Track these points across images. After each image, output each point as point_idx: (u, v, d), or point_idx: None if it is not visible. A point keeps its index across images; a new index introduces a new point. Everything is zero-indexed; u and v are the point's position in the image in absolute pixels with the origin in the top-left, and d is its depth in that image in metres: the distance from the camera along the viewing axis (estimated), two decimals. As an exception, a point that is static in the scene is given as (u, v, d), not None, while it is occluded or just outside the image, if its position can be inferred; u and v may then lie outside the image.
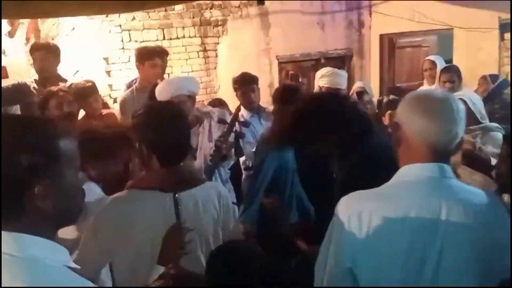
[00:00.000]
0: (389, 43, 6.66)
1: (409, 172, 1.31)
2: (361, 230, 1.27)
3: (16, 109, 3.76)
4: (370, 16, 6.44)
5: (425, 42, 6.61)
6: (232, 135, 2.95)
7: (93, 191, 2.06)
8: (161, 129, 1.67)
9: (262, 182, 2.80)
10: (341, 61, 6.69)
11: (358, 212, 1.28)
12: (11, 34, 4.81)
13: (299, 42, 6.07)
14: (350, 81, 6.84)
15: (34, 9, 2.63)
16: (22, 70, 4.23)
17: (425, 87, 4.80)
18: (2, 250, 0.91)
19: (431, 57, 4.97)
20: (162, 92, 2.91)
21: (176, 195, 1.62)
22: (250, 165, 3.61)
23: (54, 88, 2.92)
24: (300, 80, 4.33)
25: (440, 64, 4.75)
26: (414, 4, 5.19)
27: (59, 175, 0.97)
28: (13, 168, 0.91)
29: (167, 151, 1.68)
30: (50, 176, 0.95)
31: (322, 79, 3.74)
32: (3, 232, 0.92)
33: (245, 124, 3.10)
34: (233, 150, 3.01)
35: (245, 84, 3.70)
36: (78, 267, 1.01)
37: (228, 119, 2.98)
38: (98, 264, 1.72)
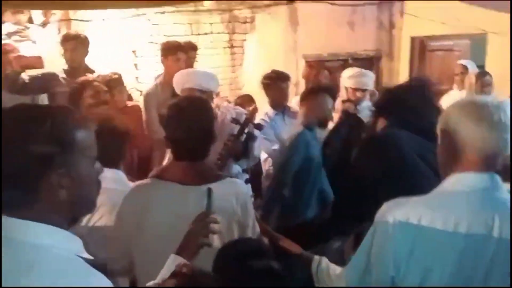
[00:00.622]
0: (420, 46, 6.53)
1: (461, 182, 1.28)
2: (407, 238, 1.24)
3: (44, 98, 3.84)
4: (402, 17, 6.32)
5: (457, 46, 6.44)
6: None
7: (122, 180, 2.16)
8: (178, 125, 1.70)
9: (285, 177, 2.80)
10: (369, 62, 6.58)
11: (405, 219, 1.25)
12: (43, 25, 4.92)
13: (327, 41, 6.00)
14: (379, 83, 6.75)
15: (63, 1, 2.66)
16: (53, 60, 4.31)
17: (455, 91, 4.70)
18: (12, 236, 0.91)
19: (463, 61, 4.87)
20: (178, 82, 2.95)
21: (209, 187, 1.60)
22: (267, 162, 3.57)
23: (88, 78, 2.96)
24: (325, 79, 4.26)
25: (472, 69, 4.64)
26: (447, 7, 5.06)
27: (74, 164, 0.96)
28: (28, 156, 0.91)
29: (184, 147, 1.71)
30: (65, 165, 0.95)
31: (348, 80, 3.68)
32: (13, 219, 0.93)
33: (259, 127, 3.06)
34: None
35: (278, 81, 3.69)
36: (91, 257, 1.00)
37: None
38: (121, 251, 1.74)
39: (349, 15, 6.07)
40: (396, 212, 1.27)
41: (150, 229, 1.68)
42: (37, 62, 3.44)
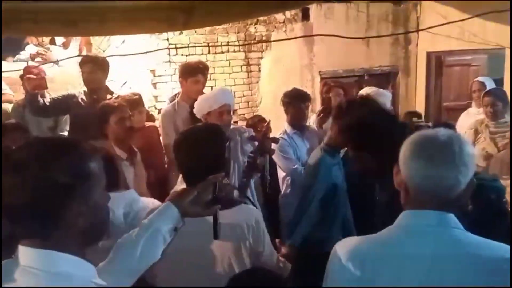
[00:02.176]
0: (436, 61, 6.50)
1: (407, 219, 1.25)
2: (352, 277, 1.23)
3: (66, 119, 3.94)
4: (417, 33, 6.31)
5: (474, 61, 6.40)
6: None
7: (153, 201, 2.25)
8: (188, 153, 1.75)
9: (311, 202, 2.79)
10: (385, 78, 6.58)
11: (351, 257, 1.25)
12: (65, 46, 5.06)
13: (343, 58, 6.03)
14: (395, 99, 6.73)
15: (81, 29, 2.75)
16: (74, 81, 4.42)
17: (474, 109, 4.66)
18: (30, 265, 0.95)
19: (480, 79, 4.81)
20: (209, 102, 2.99)
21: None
22: (286, 181, 3.59)
23: (113, 102, 3.02)
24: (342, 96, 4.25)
25: (490, 85, 4.59)
26: (463, 22, 5.04)
27: (91, 193, 1.03)
28: (50, 188, 0.97)
29: (194, 175, 1.72)
30: (84, 194, 1.01)
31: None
32: (32, 249, 0.97)
33: (275, 140, 3.11)
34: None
35: (299, 100, 3.70)
36: (104, 283, 1.06)
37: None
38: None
39: (363, 32, 6.09)
40: (352, 249, 1.28)
41: (168, 255, 1.70)
42: (40, 83, 3.52)
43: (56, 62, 4.71)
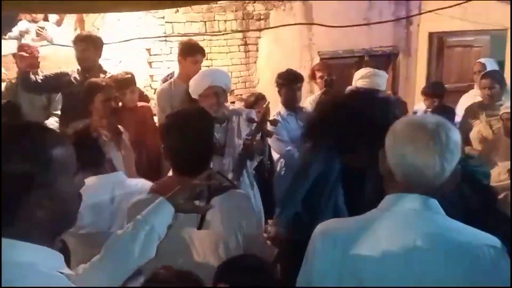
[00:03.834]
0: (438, 42, 6.39)
1: (390, 202, 1.24)
2: (333, 257, 1.23)
3: (60, 98, 3.90)
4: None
5: (477, 42, 6.29)
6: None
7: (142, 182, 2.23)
8: (177, 136, 1.70)
9: (303, 186, 2.76)
10: (386, 59, 6.48)
11: (333, 240, 1.25)
12: (58, 23, 4.98)
13: (343, 38, 5.90)
14: (396, 80, 6.65)
15: (75, 5, 2.69)
16: (68, 59, 4.36)
17: (475, 90, 4.59)
18: None
19: (482, 60, 4.74)
20: (198, 84, 2.92)
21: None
22: (280, 165, 3.57)
23: (100, 81, 2.96)
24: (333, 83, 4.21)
25: (491, 67, 4.52)
26: (468, 3, 4.93)
27: (53, 183, 0.97)
28: (8, 176, 0.92)
29: (183, 160, 1.69)
30: (44, 184, 0.95)
31: (361, 80, 3.63)
32: None
33: (274, 122, 3.06)
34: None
35: (291, 81, 3.66)
36: (72, 272, 1.03)
37: (256, 118, 2.95)
38: None
39: (365, 11, 5.97)
40: (327, 232, 1.28)
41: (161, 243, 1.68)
42: (33, 62, 3.51)
43: (51, 41, 4.65)
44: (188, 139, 1.69)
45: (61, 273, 0.97)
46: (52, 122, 3.98)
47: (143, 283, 1.38)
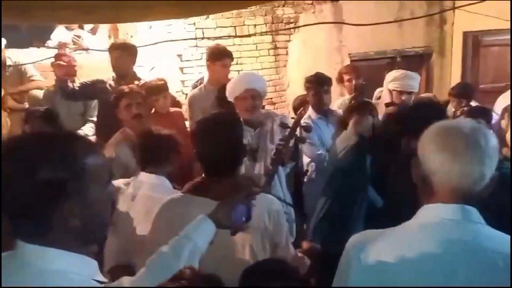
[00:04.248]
0: (473, 41, 6.23)
1: (427, 213, 1.20)
2: (367, 271, 1.19)
3: (96, 105, 4.01)
4: (454, 12, 6.04)
5: (514, 40, 6.08)
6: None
7: (162, 186, 2.27)
8: (207, 141, 1.72)
9: (337, 194, 2.77)
10: (419, 60, 6.36)
11: (366, 252, 1.20)
12: (93, 31, 5.12)
13: (374, 39, 5.84)
14: (429, 81, 6.51)
15: (97, 16, 2.76)
16: (103, 67, 4.48)
17: (513, 91, 4.44)
18: (28, 261, 0.93)
19: (520, 58, 4.58)
20: (236, 86, 2.97)
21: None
22: (309, 168, 3.56)
23: (126, 88, 3.03)
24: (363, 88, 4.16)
25: (529, 66, 4.37)
26: (502, 1, 4.78)
27: (85, 192, 0.96)
28: (40, 184, 0.91)
29: (210, 164, 1.73)
30: (77, 193, 0.94)
31: (393, 83, 3.57)
32: (29, 245, 0.94)
33: (307, 129, 3.05)
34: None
35: (318, 85, 3.64)
36: (106, 280, 1.03)
37: (290, 123, 2.95)
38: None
39: (396, 12, 5.88)
40: (360, 243, 1.24)
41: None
42: (70, 70, 3.62)
43: (87, 49, 4.78)
44: (217, 144, 1.71)
45: (97, 281, 0.98)
46: (88, 129, 4.10)
47: (167, 281, 1.41)
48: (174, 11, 3.09)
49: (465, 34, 6.20)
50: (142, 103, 2.94)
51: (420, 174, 1.21)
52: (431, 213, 1.19)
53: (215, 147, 1.71)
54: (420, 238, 1.18)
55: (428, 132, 1.21)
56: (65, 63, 3.64)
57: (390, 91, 3.55)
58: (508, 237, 1.17)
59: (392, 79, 3.59)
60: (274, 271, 1.41)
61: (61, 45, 4.03)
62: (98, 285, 0.99)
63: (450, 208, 1.16)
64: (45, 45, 4.95)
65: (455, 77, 6.39)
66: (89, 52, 4.72)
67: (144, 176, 2.31)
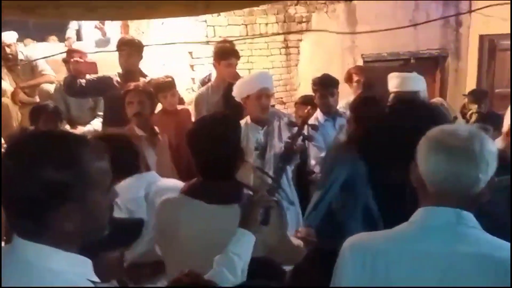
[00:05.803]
0: (489, 45, 6.11)
1: (422, 216, 1.21)
2: (363, 272, 1.21)
3: (101, 100, 4.03)
4: (470, 14, 5.93)
5: (532, 44, 5.95)
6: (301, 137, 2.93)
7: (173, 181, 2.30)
8: (203, 142, 1.71)
9: (330, 187, 2.74)
10: (433, 62, 6.26)
11: (362, 254, 1.22)
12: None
13: (388, 40, 5.75)
14: (444, 84, 6.39)
15: (101, 13, 2.78)
16: (114, 64, 4.50)
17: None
18: (25, 258, 0.93)
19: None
20: (249, 85, 2.99)
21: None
22: (315, 169, 3.53)
23: (131, 85, 3.04)
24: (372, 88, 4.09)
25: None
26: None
27: (84, 197, 0.95)
28: (40, 183, 0.90)
29: (209, 165, 1.71)
30: (75, 197, 0.93)
31: (391, 82, 3.49)
32: (27, 242, 0.94)
33: (315, 127, 3.04)
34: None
35: (325, 87, 3.62)
36: (98, 280, 1.02)
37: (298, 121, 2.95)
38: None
39: (411, 13, 5.79)
40: (356, 245, 1.26)
41: (179, 241, 1.72)
42: (91, 67, 3.59)
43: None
44: (212, 145, 1.69)
45: (91, 281, 0.97)
46: (97, 123, 4.13)
47: (167, 284, 1.41)
48: (183, 10, 3.08)
49: (481, 37, 6.09)
50: (145, 101, 2.95)
51: (417, 176, 1.23)
52: (426, 216, 1.21)
53: (210, 148, 1.69)
54: (416, 241, 1.19)
55: (426, 135, 1.23)
56: (82, 60, 3.64)
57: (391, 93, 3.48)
58: (503, 242, 1.17)
59: (390, 78, 3.51)
60: (257, 270, 1.41)
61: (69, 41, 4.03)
62: (92, 285, 0.98)
63: (445, 211, 1.18)
64: (65, 40, 4.97)
65: (471, 81, 6.28)
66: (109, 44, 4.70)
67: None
